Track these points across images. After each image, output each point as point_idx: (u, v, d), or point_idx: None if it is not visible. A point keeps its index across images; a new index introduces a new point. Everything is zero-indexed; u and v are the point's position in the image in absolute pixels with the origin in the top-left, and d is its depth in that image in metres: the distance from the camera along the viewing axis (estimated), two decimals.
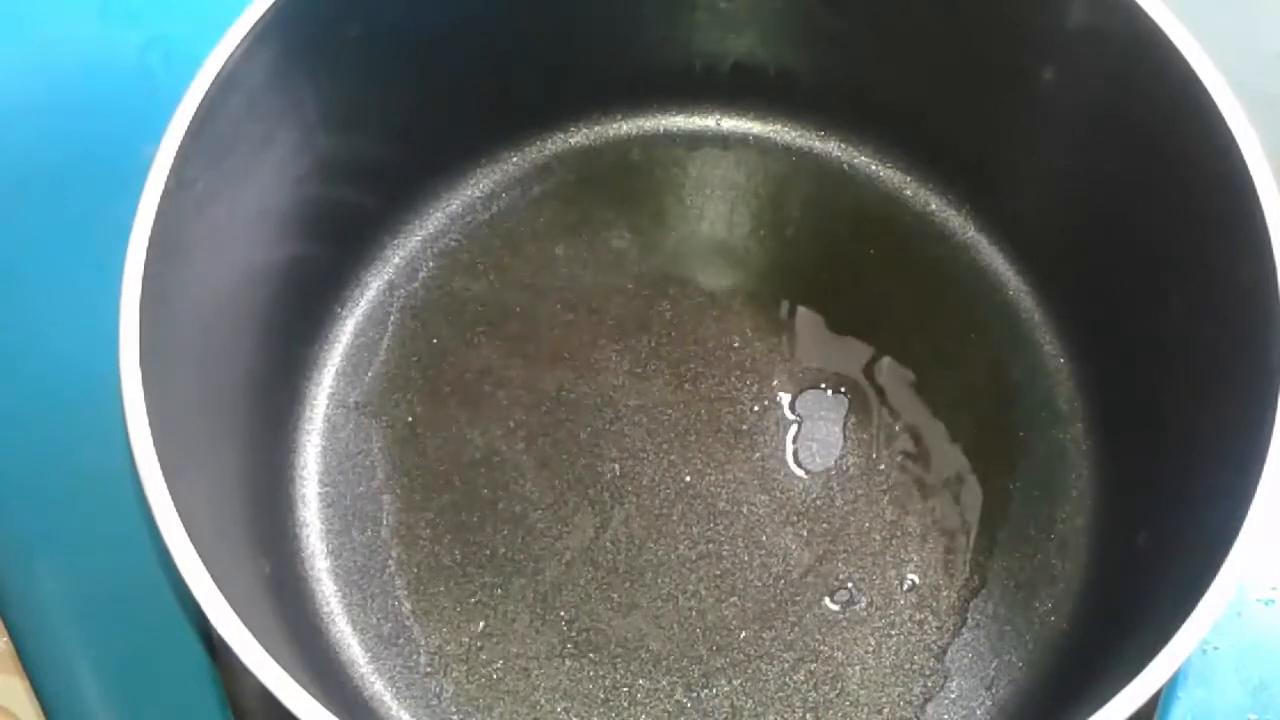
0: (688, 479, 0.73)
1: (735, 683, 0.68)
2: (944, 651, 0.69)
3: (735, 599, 0.70)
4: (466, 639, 0.69)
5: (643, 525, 0.72)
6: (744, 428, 0.74)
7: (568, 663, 0.69)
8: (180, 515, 0.54)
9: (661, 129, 0.82)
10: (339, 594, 0.71)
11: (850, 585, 0.71)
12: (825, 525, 0.72)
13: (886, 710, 0.68)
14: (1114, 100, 0.67)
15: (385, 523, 0.72)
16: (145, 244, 0.57)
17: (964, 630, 0.70)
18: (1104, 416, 0.73)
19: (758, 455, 0.73)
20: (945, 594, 0.70)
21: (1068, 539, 0.72)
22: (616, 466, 0.73)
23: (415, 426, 0.74)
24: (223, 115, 0.61)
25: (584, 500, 0.72)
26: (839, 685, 0.69)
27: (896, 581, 0.71)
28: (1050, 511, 0.72)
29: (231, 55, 0.61)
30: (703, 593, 0.70)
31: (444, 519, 0.72)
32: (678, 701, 0.68)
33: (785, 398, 0.75)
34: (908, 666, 0.69)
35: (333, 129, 0.70)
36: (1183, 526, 0.62)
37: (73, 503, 0.74)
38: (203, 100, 0.60)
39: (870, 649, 0.69)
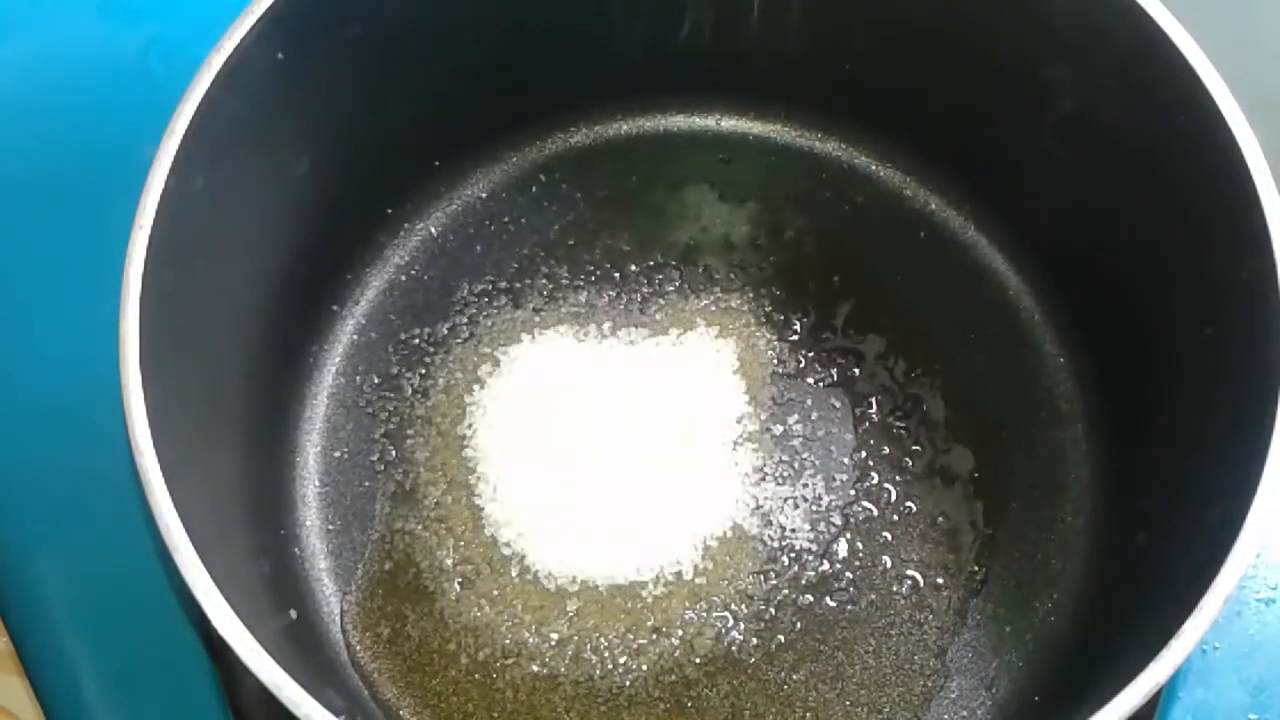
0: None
1: (735, 682, 0.68)
2: (944, 651, 0.69)
3: (736, 599, 0.70)
4: (467, 639, 0.69)
5: None
6: (743, 427, 0.74)
7: (568, 663, 0.69)
8: (180, 515, 0.54)
9: (661, 129, 0.82)
10: (339, 594, 0.71)
11: (850, 585, 0.71)
12: (824, 525, 0.72)
13: (886, 710, 0.68)
14: (1114, 101, 0.67)
15: (385, 523, 0.72)
16: (145, 244, 0.57)
17: (964, 630, 0.70)
18: (1104, 416, 0.73)
19: (757, 456, 0.73)
20: (945, 594, 0.71)
21: (1068, 539, 0.72)
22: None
23: (415, 426, 0.74)
24: (223, 115, 0.61)
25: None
26: (839, 685, 0.69)
27: (896, 581, 0.71)
28: (1050, 511, 0.72)
29: (231, 55, 0.61)
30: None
31: (444, 518, 0.72)
32: (678, 701, 0.68)
33: (784, 398, 0.75)
34: (908, 666, 0.69)
35: (332, 129, 0.70)
36: (1183, 526, 0.62)
37: (73, 503, 0.74)
38: (203, 100, 0.60)
39: (870, 649, 0.69)
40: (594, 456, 0.72)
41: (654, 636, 0.69)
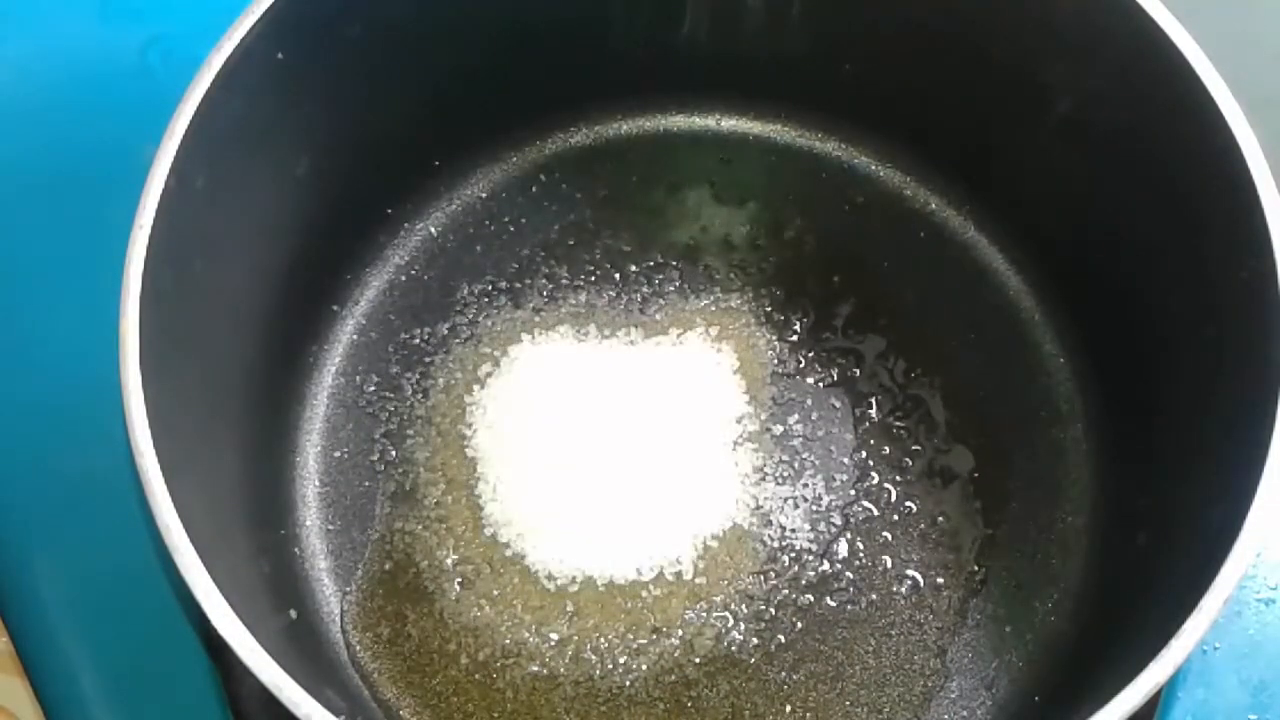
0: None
1: (735, 682, 0.68)
2: (944, 651, 0.69)
3: (736, 599, 0.70)
4: (467, 639, 0.69)
5: None
6: (743, 427, 0.74)
7: (568, 663, 0.69)
8: (180, 515, 0.54)
9: (661, 129, 0.82)
10: (339, 594, 0.71)
11: (850, 585, 0.71)
12: (824, 525, 0.72)
13: (886, 710, 0.68)
14: (1114, 100, 0.67)
15: (385, 523, 0.72)
16: (145, 243, 0.57)
17: (964, 630, 0.70)
18: (1104, 416, 0.73)
19: (758, 456, 0.73)
20: (945, 594, 0.71)
21: (1068, 539, 0.72)
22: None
23: (415, 426, 0.74)
24: (223, 115, 0.61)
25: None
26: (839, 685, 0.69)
27: (896, 581, 0.71)
28: (1050, 511, 0.72)
29: (231, 55, 0.61)
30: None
31: (444, 518, 0.72)
32: (678, 701, 0.68)
33: (784, 398, 0.75)
34: (908, 666, 0.69)
35: (332, 129, 0.70)
36: (1183, 526, 0.62)
37: (73, 503, 0.74)
38: (203, 100, 0.60)
39: (870, 649, 0.69)
40: (594, 456, 0.72)
41: (654, 636, 0.69)
